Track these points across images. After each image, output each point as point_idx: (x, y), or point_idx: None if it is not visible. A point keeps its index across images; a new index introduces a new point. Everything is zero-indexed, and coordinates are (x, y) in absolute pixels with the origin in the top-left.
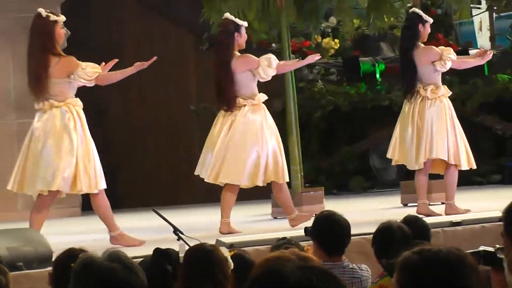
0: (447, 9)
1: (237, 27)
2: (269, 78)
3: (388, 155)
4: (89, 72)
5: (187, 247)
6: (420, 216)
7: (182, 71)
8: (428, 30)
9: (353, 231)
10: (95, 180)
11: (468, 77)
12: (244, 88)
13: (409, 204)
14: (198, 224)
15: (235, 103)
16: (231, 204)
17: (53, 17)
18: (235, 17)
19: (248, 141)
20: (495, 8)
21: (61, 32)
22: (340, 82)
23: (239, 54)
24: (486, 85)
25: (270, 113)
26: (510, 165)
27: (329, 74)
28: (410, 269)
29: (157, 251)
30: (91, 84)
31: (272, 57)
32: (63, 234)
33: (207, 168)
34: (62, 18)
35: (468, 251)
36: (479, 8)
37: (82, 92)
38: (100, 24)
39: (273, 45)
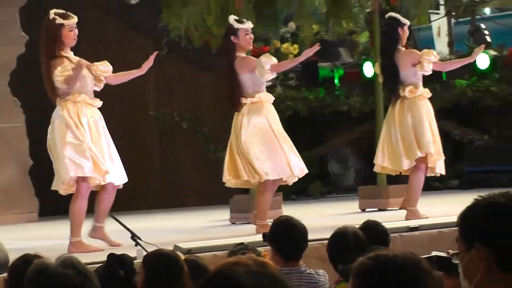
0: (405, 15)
1: (233, 31)
2: (266, 78)
3: (377, 161)
4: (57, 76)
5: (145, 253)
6: (379, 221)
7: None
8: (407, 32)
9: (310, 236)
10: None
11: (426, 82)
12: (248, 89)
13: (367, 209)
14: (156, 230)
15: (239, 104)
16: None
17: (59, 20)
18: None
19: (257, 139)
20: (453, 13)
21: (69, 35)
22: (299, 87)
23: (243, 55)
24: (444, 91)
25: (229, 118)
26: (468, 171)
27: (288, 79)
28: (365, 275)
29: (111, 256)
30: (98, 87)
31: (265, 58)
32: (20, 240)
33: (244, 171)
34: (70, 21)
35: (422, 256)
36: (437, 13)
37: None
38: None
39: None
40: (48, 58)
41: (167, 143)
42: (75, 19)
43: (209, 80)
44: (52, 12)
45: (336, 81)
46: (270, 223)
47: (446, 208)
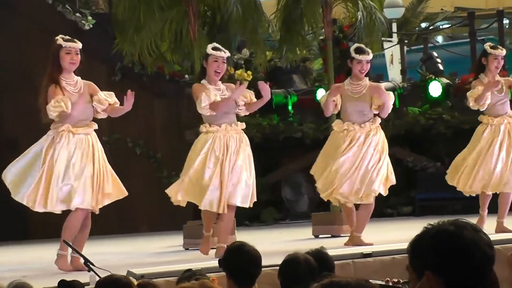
0: (358, 43)
1: (205, 55)
2: (204, 113)
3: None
4: (50, 110)
5: (97, 278)
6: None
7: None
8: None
9: (264, 262)
10: None
11: None
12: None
13: (320, 236)
14: (109, 255)
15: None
16: None
17: (59, 41)
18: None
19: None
20: (406, 41)
21: (65, 57)
22: (253, 113)
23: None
24: (397, 118)
25: (182, 144)
26: (420, 198)
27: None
28: None
29: (62, 283)
30: (102, 116)
31: (203, 94)
32: None
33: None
34: (69, 43)
35: (375, 283)
36: (390, 41)
37: None
38: (7, 54)
39: (186, 76)
40: (47, 80)
41: (120, 168)
42: (76, 43)
43: (162, 105)
44: (58, 36)
45: (289, 107)
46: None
47: (398, 235)
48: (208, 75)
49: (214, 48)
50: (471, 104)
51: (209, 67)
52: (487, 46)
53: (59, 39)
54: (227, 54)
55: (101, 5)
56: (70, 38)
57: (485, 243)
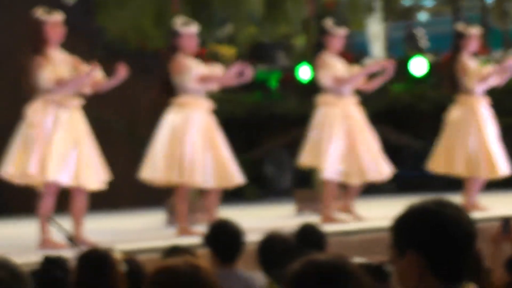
0: (341, 19)
1: (176, 33)
2: (190, 86)
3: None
4: (44, 78)
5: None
6: (315, 224)
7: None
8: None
9: (247, 239)
10: None
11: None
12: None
13: (302, 212)
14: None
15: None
16: None
17: (42, 16)
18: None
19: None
20: (389, 18)
21: (53, 32)
22: (236, 90)
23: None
24: (379, 95)
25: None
26: (403, 175)
27: None
28: (296, 281)
29: (47, 258)
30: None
31: (191, 66)
32: None
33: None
34: (53, 17)
35: (355, 261)
36: (373, 18)
37: None
38: None
39: None
40: (33, 55)
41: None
42: (60, 16)
43: (145, 83)
44: (39, 9)
45: (272, 84)
46: None
47: (380, 212)
48: (185, 50)
49: (185, 24)
50: (477, 83)
51: (186, 45)
52: (460, 27)
53: (41, 13)
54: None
55: None
56: (50, 10)
57: (466, 221)
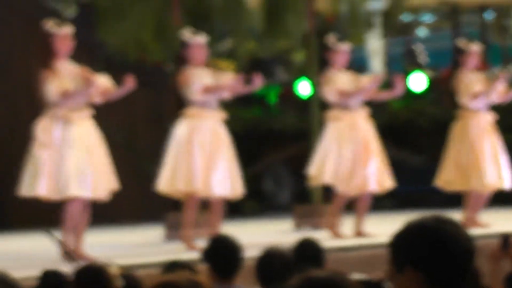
0: (341, 34)
1: (185, 44)
2: (196, 98)
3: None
4: (50, 92)
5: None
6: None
7: None
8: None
9: (246, 255)
10: None
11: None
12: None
13: (301, 228)
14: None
15: None
16: None
17: (52, 28)
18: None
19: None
20: (388, 34)
21: (61, 45)
22: (235, 104)
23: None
24: (379, 110)
25: (162, 134)
26: (401, 191)
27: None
28: None
29: (46, 272)
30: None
31: (194, 78)
32: None
33: None
34: (63, 30)
35: (354, 277)
36: (373, 33)
37: None
38: None
39: (169, 66)
40: (42, 68)
41: None
42: (69, 28)
43: (144, 95)
44: (48, 21)
45: (271, 99)
46: None
47: (379, 228)
48: (193, 60)
49: (193, 34)
50: (468, 100)
51: (192, 53)
52: (460, 43)
53: (51, 25)
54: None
55: None
56: (61, 22)
57: (465, 238)
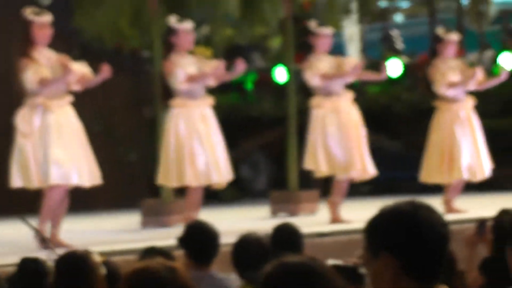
0: (318, 20)
1: (172, 30)
2: (181, 88)
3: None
4: (28, 79)
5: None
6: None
7: None
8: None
9: (223, 241)
10: None
11: None
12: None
13: (278, 214)
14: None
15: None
16: None
17: (31, 16)
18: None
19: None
20: (365, 20)
21: (40, 33)
22: (212, 91)
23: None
24: (357, 97)
25: (140, 121)
26: (379, 177)
27: None
28: (269, 282)
29: (24, 259)
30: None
31: (178, 69)
32: None
33: None
34: (42, 18)
35: (330, 263)
36: (350, 19)
37: None
38: None
39: (145, 52)
40: (19, 55)
41: None
42: (48, 16)
43: (122, 82)
44: (28, 9)
45: (248, 85)
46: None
47: (356, 214)
48: (180, 47)
49: (180, 21)
50: (444, 89)
51: (181, 39)
52: (439, 31)
53: (30, 13)
54: (191, 24)
55: None
56: (40, 10)
57: (440, 223)
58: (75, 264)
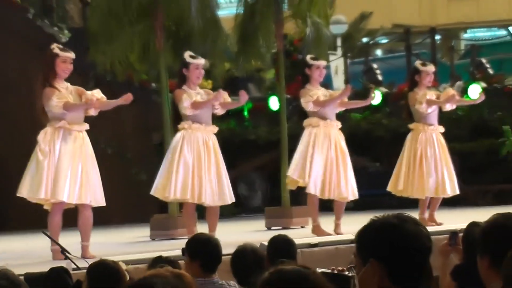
0: (307, 55)
1: (185, 64)
2: (187, 113)
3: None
4: (53, 104)
5: (73, 266)
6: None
7: None
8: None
9: (223, 252)
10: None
11: None
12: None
13: (272, 228)
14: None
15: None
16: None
17: (56, 50)
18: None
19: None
20: (349, 54)
21: (61, 65)
22: (212, 118)
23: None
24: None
25: (149, 145)
26: (361, 194)
27: None
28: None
29: (53, 268)
30: (92, 113)
31: (184, 96)
32: None
33: None
34: (65, 53)
35: (319, 270)
36: (335, 54)
37: None
38: None
39: (153, 84)
40: (42, 85)
41: None
42: (71, 54)
43: (133, 111)
44: (54, 44)
45: (245, 113)
46: None
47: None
48: (191, 79)
49: (193, 57)
50: (423, 107)
51: (191, 73)
52: (418, 64)
53: (56, 48)
54: (203, 60)
55: (76, 20)
56: (65, 48)
57: (424, 235)
58: (107, 272)
